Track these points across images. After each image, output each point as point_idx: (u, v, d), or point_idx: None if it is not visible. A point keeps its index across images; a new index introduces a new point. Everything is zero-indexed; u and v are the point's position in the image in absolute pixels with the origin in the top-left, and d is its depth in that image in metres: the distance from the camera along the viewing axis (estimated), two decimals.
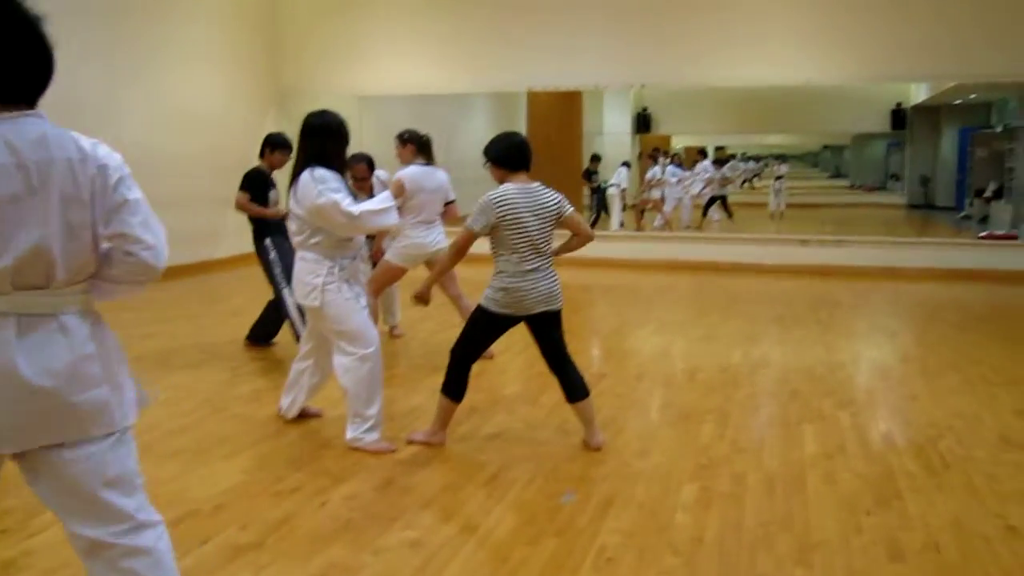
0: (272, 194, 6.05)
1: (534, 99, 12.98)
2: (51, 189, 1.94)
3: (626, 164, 14.01)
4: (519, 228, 3.98)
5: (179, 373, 5.74)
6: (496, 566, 3.06)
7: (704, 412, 4.88)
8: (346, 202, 4.00)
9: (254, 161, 6.14)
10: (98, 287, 2.11)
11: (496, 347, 6.15)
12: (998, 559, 3.11)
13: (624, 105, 15.20)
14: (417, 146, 6.04)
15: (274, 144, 6.13)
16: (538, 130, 13.11)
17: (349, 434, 4.25)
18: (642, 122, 15.16)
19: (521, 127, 13.30)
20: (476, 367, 5.78)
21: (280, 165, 6.07)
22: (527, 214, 3.99)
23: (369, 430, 4.22)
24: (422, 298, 4.29)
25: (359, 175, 6.07)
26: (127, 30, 9.85)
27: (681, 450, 4.27)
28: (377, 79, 11.99)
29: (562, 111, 13.32)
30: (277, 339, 6.47)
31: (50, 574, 2.80)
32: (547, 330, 4.18)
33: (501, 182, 4.10)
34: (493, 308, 4.08)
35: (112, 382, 2.09)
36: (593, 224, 13.48)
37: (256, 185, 6.03)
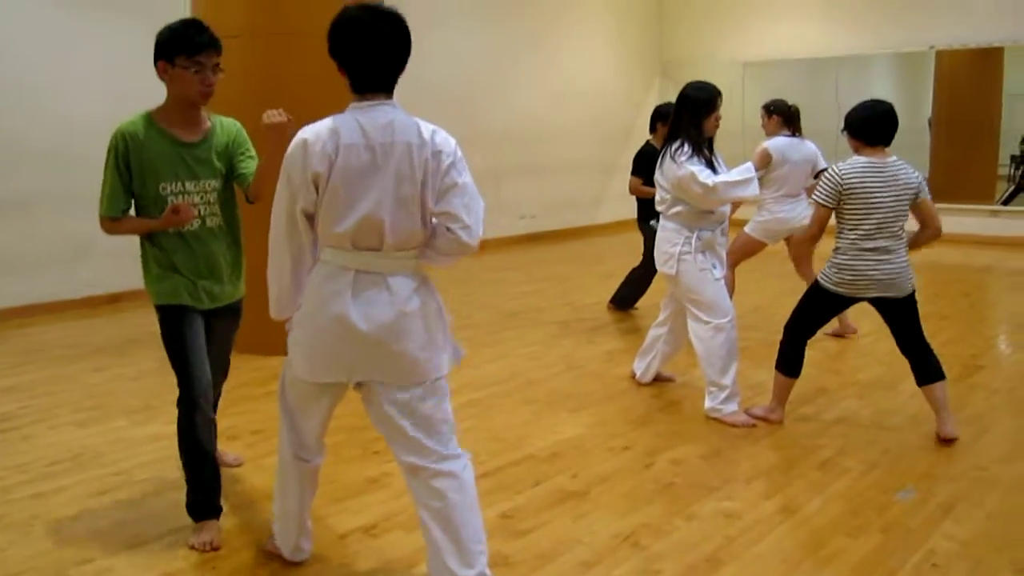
0: None
1: (943, 59, 11.72)
2: (390, 167, 2.32)
3: None
4: (866, 204, 3.77)
5: (544, 329, 6.22)
6: (809, 551, 2.98)
7: None
8: (703, 174, 4.09)
9: (637, 131, 6.27)
10: (425, 255, 2.48)
11: (862, 327, 5.83)
12: None
13: None
14: (783, 118, 5.88)
15: (666, 116, 6.27)
16: (948, 95, 11.84)
17: (708, 404, 4.31)
18: None
19: (927, 92, 12.12)
20: (835, 347, 5.60)
21: None
22: (877, 190, 3.76)
23: (726, 400, 4.25)
24: None
25: None
26: (520, 4, 10.52)
27: None
28: (762, 43, 11.65)
29: (978, 72, 11.84)
30: (639, 306, 6.72)
31: (400, 494, 3.27)
32: (894, 316, 3.93)
33: (856, 153, 3.89)
34: (827, 285, 3.95)
35: (427, 339, 2.45)
36: (1009, 199, 11.94)
37: (647, 166, 6.24)
